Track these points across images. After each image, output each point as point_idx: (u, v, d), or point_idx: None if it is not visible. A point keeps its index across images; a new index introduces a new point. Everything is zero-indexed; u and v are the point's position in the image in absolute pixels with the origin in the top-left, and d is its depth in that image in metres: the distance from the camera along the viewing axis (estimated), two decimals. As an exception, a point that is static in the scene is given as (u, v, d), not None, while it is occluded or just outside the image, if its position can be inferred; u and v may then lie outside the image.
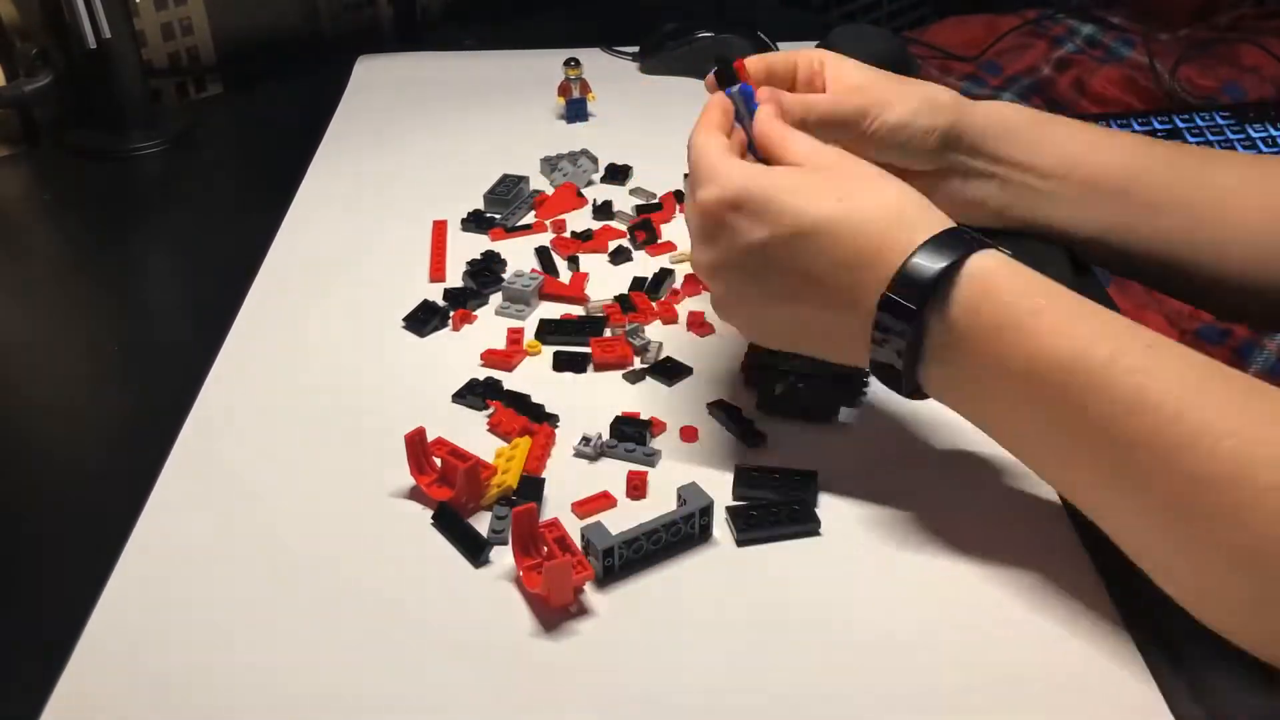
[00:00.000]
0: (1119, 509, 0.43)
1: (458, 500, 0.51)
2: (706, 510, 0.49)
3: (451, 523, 0.50)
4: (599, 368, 0.61)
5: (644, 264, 0.72)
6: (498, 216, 0.76)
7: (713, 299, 0.53)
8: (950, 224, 0.47)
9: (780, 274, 0.49)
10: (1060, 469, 0.46)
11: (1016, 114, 0.63)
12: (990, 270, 0.45)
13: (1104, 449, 0.42)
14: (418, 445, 0.52)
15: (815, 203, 0.47)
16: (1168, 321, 0.98)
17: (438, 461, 0.52)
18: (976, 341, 0.45)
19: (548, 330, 0.63)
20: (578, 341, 0.62)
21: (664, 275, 0.69)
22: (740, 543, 0.49)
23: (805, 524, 0.50)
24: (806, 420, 0.56)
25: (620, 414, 0.57)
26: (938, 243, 0.46)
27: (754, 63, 0.59)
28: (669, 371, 0.60)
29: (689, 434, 0.56)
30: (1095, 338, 0.43)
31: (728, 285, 0.51)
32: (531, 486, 0.52)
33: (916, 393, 0.48)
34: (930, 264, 0.45)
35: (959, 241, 0.46)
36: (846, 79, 0.60)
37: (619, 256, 0.72)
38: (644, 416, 0.57)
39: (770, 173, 0.50)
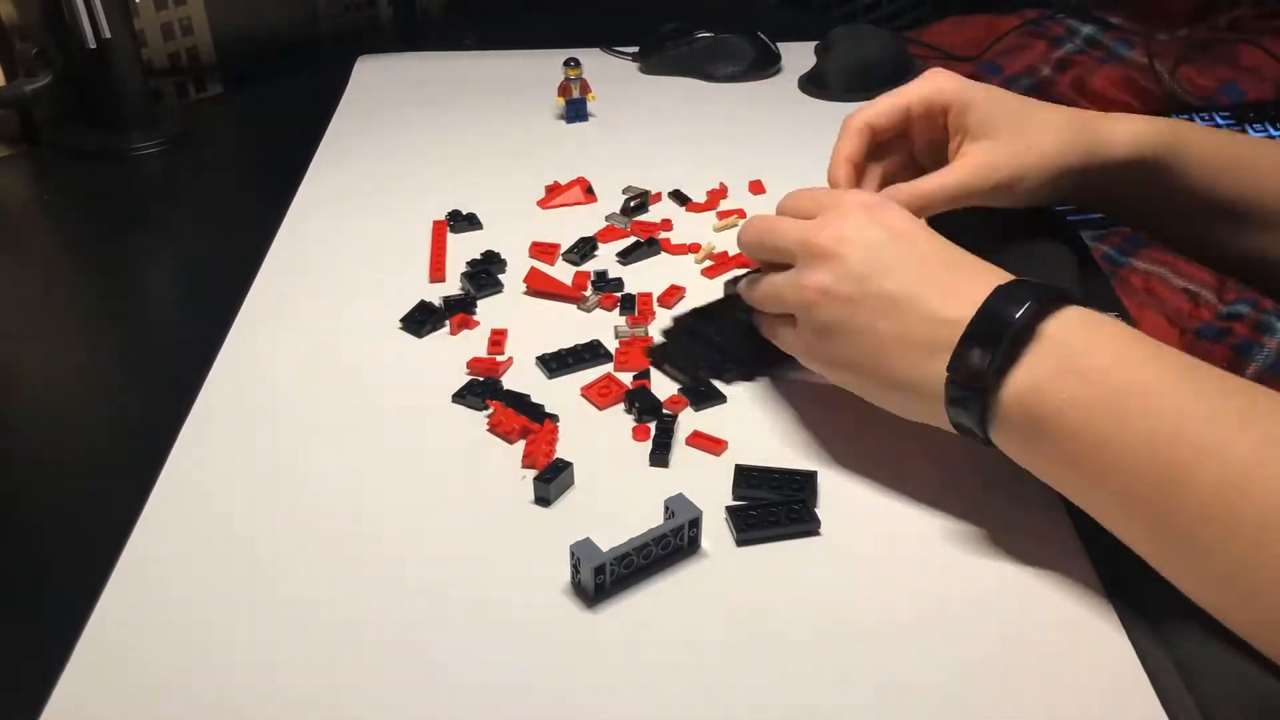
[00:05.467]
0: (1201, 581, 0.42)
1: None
2: (695, 522, 0.49)
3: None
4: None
5: (656, 263, 0.72)
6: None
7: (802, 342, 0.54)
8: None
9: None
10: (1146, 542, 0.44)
11: (1154, 140, 0.60)
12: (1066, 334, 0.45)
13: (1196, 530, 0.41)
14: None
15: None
16: (1168, 321, 0.98)
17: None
18: (1052, 417, 0.44)
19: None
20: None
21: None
22: (740, 542, 0.49)
23: (805, 524, 0.50)
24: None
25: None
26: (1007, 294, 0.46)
27: (853, 131, 0.61)
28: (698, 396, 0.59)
29: (703, 442, 0.56)
30: (1183, 420, 0.41)
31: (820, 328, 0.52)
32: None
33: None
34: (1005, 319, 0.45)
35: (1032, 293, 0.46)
36: (977, 154, 0.59)
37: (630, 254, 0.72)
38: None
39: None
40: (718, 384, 0.59)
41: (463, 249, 0.72)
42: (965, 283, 0.48)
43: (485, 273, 0.69)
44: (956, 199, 0.59)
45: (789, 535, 0.50)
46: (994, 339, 0.45)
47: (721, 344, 0.62)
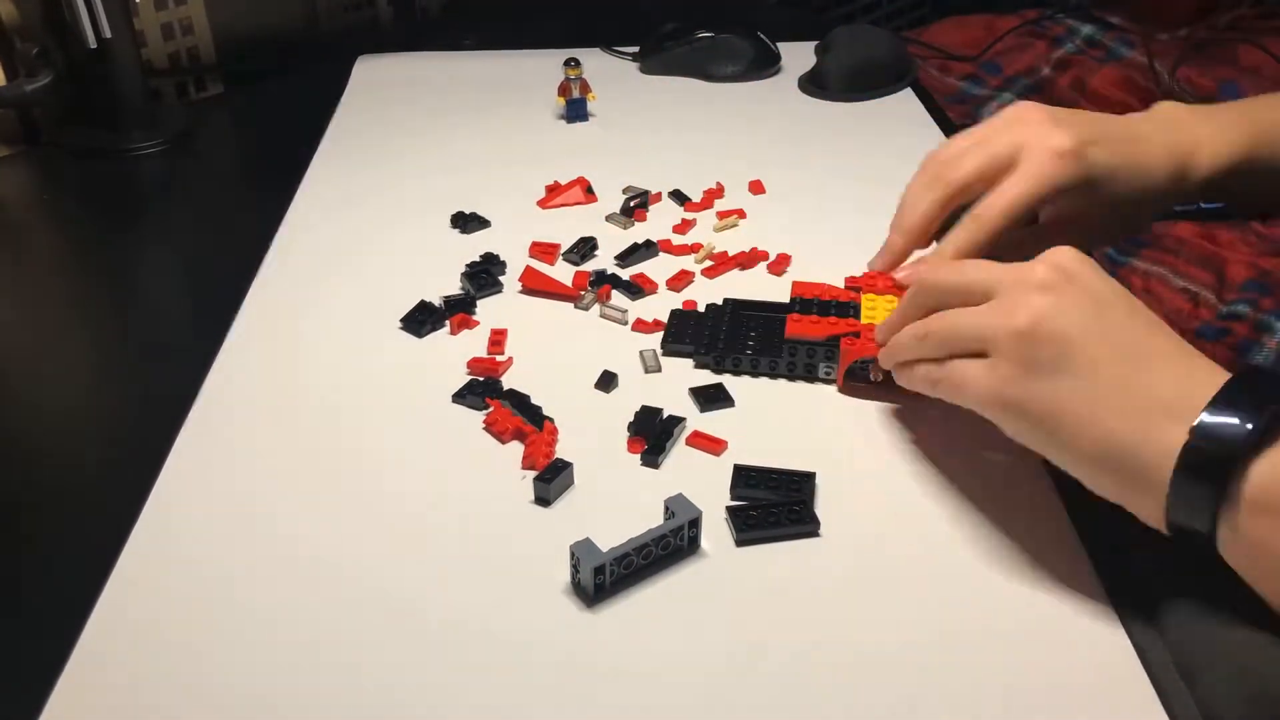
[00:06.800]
0: None
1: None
2: (695, 522, 0.49)
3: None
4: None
5: (656, 264, 0.72)
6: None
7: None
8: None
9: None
10: None
11: (1235, 153, 0.59)
12: None
13: None
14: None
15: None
16: (1168, 320, 0.98)
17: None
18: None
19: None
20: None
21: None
22: (740, 543, 0.50)
23: (805, 525, 0.50)
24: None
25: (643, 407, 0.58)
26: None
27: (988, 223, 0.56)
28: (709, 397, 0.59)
29: (702, 441, 0.56)
30: None
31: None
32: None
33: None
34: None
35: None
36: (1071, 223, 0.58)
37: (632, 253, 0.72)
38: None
39: None
40: (727, 387, 0.59)
41: (465, 249, 0.72)
42: (1201, 362, 0.44)
43: (485, 273, 0.69)
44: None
45: (789, 536, 0.50)
46: (1254, 407, 0.40)
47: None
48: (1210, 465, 0.40)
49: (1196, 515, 0.41)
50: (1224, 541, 0.41)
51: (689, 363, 0.62)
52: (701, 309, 0.65)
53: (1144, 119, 0.61)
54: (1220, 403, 0.41)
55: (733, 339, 0.62)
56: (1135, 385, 0.43)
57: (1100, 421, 0.43)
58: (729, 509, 0.50)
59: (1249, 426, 0.40)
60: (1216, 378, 0.43)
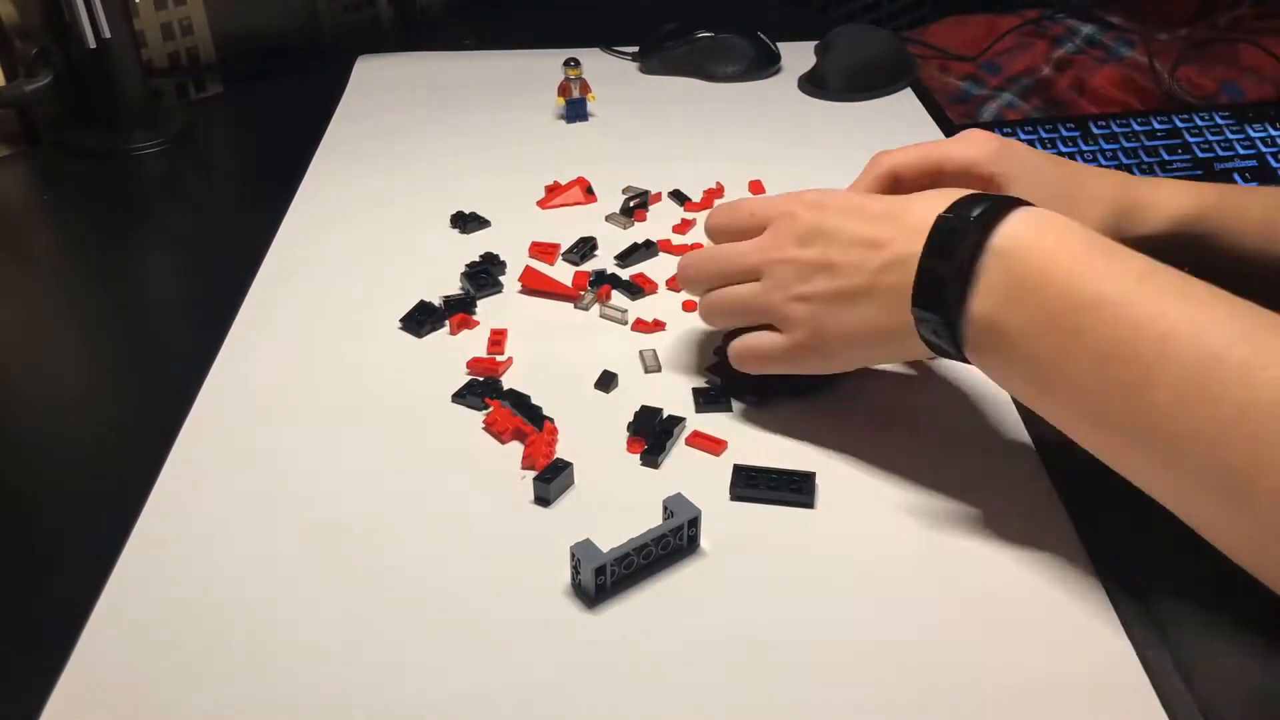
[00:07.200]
0: (1149, 463, 0.43)
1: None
2: (694, 522, 0.49)
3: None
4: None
5: (655, 264, 0.72)
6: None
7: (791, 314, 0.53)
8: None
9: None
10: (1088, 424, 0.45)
11: (1196, 210, 0.59)
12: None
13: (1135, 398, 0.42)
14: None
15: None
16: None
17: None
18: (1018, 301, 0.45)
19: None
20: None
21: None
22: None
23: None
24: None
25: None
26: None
27: (878, 173, 0.60)
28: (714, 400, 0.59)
29: (703, 442, 0.56)
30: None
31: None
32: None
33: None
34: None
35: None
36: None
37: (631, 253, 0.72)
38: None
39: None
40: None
41: (465, 249, 0.72)
42: (919, 204, 0.49)
43: (485, 273, 0.69)
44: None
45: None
46: (950, 254, 0.46)
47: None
48: (933, 319, 0.47)
49: (947, 353, 0.48)
50: (973, 362, 0.48)
51: (689, 363, 0.62)
52: (702, 369, 0.62)
53: (1090, 172, 0.60)
54: (929, 252, 0.47)
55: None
56: (877, 222, 0.50)
57: (856, 270, 0.50)
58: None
59: (952, 289, 0.46)
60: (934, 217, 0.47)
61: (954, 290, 0.46)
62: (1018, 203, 0.47)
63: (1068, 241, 0.45)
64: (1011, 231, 0.46)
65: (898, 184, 0.59)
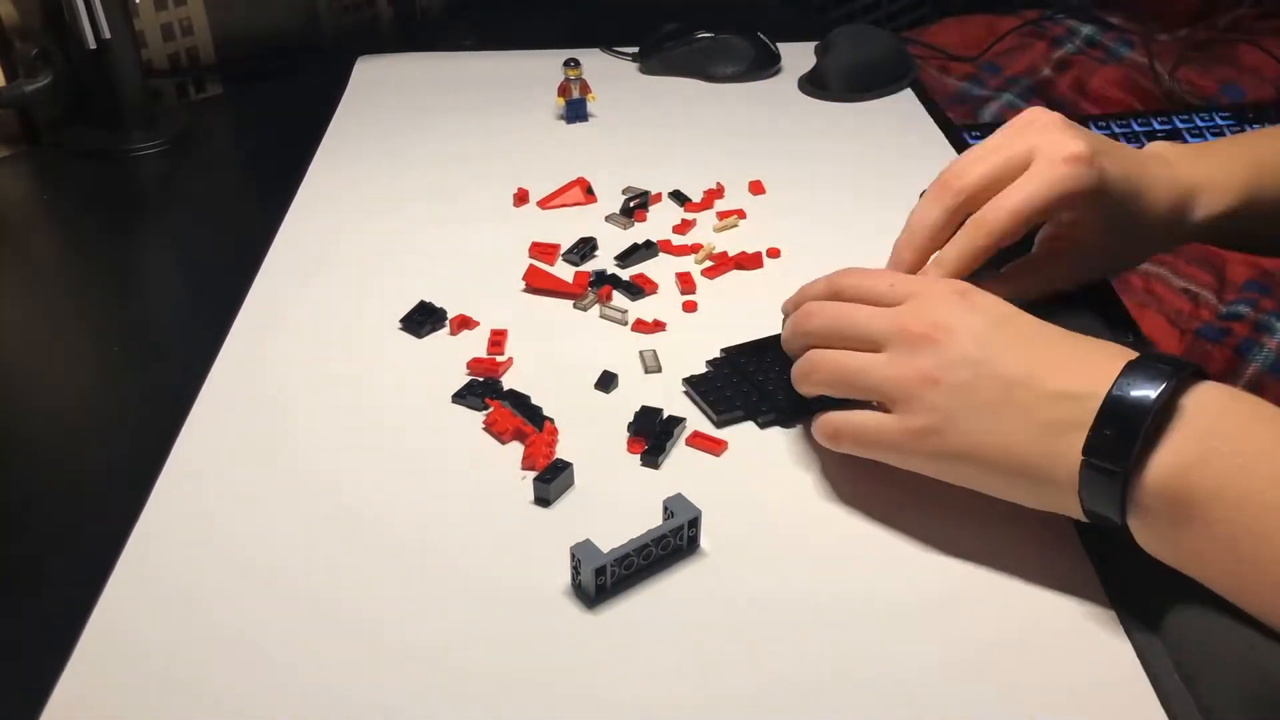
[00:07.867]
0: None
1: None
2: (694, 522, 0.49)
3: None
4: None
5: (655, 265, 0.72)
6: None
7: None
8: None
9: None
10: None
11: (1231, 202, 0.58)
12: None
13: None
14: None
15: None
16: (1168, 321, 0.98)
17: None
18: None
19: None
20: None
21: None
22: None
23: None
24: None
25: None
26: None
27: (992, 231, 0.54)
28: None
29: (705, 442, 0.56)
30: None
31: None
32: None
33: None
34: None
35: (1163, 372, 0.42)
36: (1074, 261, 0.58)
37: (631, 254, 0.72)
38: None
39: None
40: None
41: (465, 249, 0.72)
42: (1088, 359, 0.45)
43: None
44: (1031, 297, 0.56)
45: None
46: (1135, 416, 0.41)
47: (763, 385, 0.58)
48: (1103, 478, 0.42)
49: (1108, 519, 0.43)
50: (1135, 531, 0.43)
51: (689, 364, 0.62)
52: (703, 368, 0.61)
53: (1142, 152, 0.59)
54: (1106, 413, 0.42)
55: (765, 388, 0.58)
56: (1038, 397, 0.45)
57: (1009, 443, 0.45)
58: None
59: (1132, 439, 0.41)
60: (1107, 381, 0.43)
61: (1138, 446, 0.41)
62: (1203, 374, 0.44)
63: (1262, 412, 0.42)
64: (1201, 396, 0.42)
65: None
